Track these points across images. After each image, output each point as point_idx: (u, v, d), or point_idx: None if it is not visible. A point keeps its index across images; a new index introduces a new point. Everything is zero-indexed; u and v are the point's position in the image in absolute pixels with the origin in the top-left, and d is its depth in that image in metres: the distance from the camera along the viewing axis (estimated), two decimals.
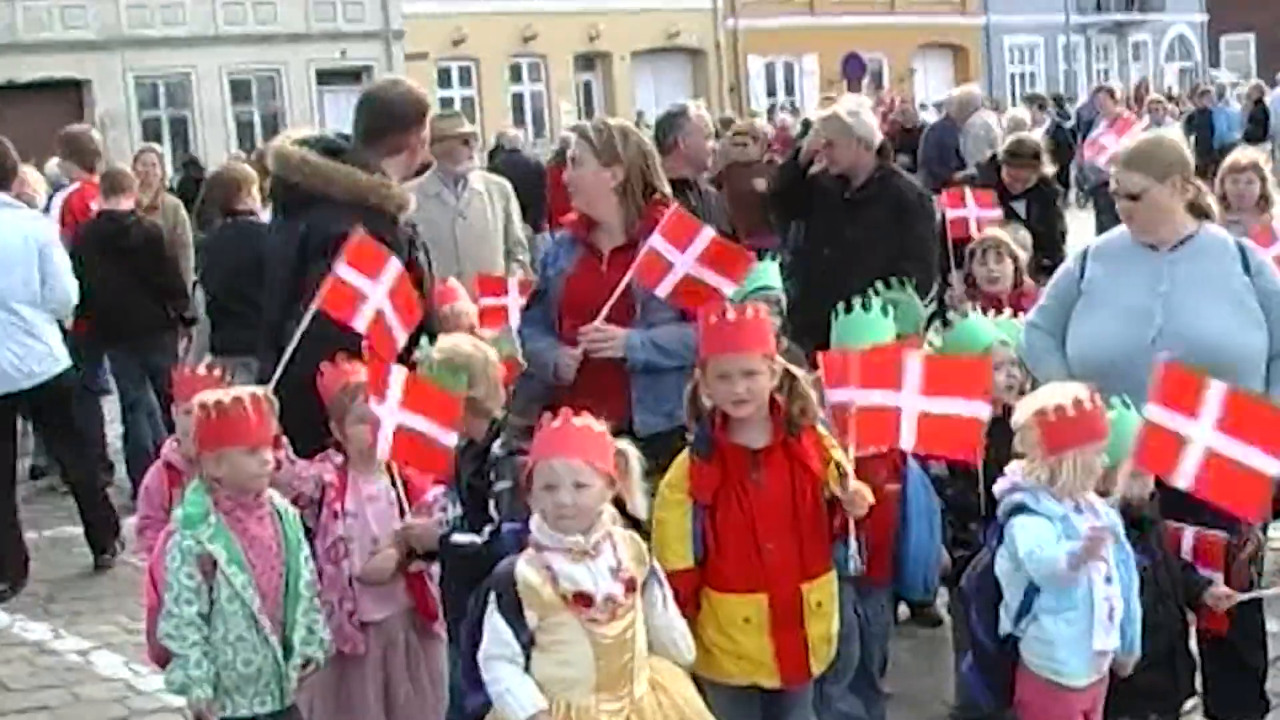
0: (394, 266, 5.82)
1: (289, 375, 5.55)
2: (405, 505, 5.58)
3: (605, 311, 5.89)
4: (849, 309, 5.92)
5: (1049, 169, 10.34)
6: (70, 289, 9.23)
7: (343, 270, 5.71)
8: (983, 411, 5.17)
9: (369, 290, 5.73)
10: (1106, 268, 6.13)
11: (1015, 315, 6.73)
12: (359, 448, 5.53)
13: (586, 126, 6.30)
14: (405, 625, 5.65)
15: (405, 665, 5.63)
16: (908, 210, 8.58)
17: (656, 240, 5.85)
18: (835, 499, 4.90)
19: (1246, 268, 5.90)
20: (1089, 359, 5.94)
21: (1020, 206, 9.85)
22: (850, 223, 8.44)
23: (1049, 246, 9.59)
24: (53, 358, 9.10)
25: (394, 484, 5.61)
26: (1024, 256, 8.38)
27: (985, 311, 6.71)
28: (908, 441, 5.20)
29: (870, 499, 4.90)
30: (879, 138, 8.80)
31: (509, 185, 10.10)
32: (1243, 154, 8.63)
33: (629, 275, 5.86)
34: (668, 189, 6.18)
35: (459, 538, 5.13)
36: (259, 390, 5.19)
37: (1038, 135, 13.51)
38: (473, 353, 5.30)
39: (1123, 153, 6.09)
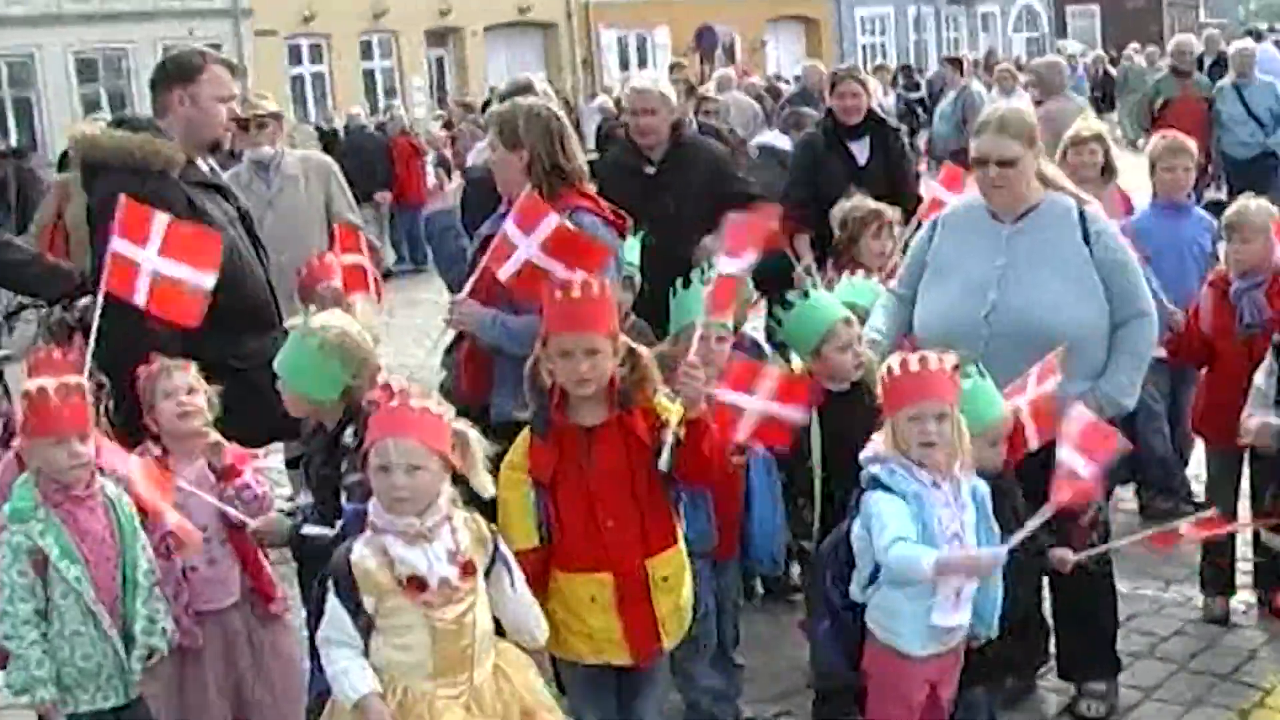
0: (160, 221, 5.67)
1: (112, 362, 5.43)
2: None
3: (468, 287, 5.88)
4: (687, 284, 5.90)
5: (878, 101, 10.17)
6: None
7: (117, 244, 5.62)
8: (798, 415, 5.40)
9: (141, 258, 5.63)
10: (953, 238, 6.15)
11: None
12: (169, 429, 5.40)
13: (494, 110, 6.28)
14: (245, 614, 5.53)
15: (250, 656, 5.52)
16: (721, 164, 8.61)
17: (508, 224, 5.74)
18: (669, 469, 4.87)
19: (1086, 236, 5.91)
20: (930, 331, 5.95)
21: (861, 151, 9.78)
22: (665, 193, 8.21)
23: (898, 189, 9.23)
24: None
25: (210, 467, 5.44)
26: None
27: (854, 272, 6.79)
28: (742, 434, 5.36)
29: (700, 391, 4.85)
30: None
31: (331, 165, 9.85)
32: (1085, 125, 8.68)
33: (485, 257, 5.79)
34: (581, 169, 6.08)
35: (310, 530, 5.04)
36: (72, 379, 5.03)
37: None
38: (361, 344, 5.21)
39: (994, 119, 6.02)
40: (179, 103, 6.23)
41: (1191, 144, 8.34)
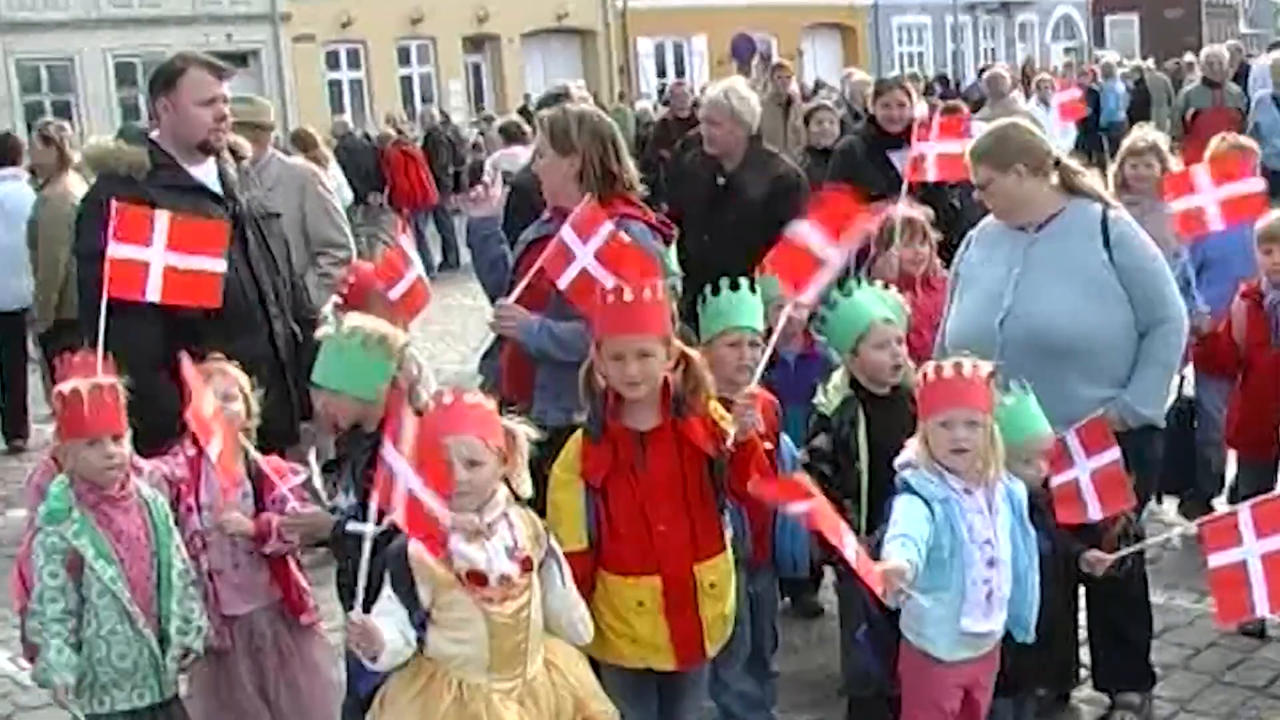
0: (162, 218, 5.81)
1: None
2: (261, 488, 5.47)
3: (516, 293, 5.86)
4: (715, 291, 5.89)
5: (921, 109, 10.21)
6: None
7: (114, 249, 5.70)
8: None
9: (145, 255, 5.76)
10: (980, 250, 6.21)
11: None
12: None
13: (545, 115, 6.25)
14: (273, 619, 5.54)
15: (278, 664, 5.53)
16: (788, 188, 8.51)
17: (565, 230, 5.72)
18: (723, 472, 4.89)
19: (1107, 241, 5.90)
20: (952, 340, 6.00)
21: (900, 160, 9.75)
22: (728, 205, 8.35)
23: (934, 199, 9.08)
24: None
25: (249, 473, 5.48)
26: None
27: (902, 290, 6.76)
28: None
29: (753, 422, 4.87)
30: (758, 122, 8.80)
31: (306, 175, 9.15)
32: (1142, 136, 8.61)
33: (539, 261, 5.78)
34: (632, 175, 6.07)
35: (354, 527, 5.03)
36: (105, 380, 5.05)
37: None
38: (394, 333, 5.21)
39: (969, 148, 6.16)
40: (162, 109, 6.38)
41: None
